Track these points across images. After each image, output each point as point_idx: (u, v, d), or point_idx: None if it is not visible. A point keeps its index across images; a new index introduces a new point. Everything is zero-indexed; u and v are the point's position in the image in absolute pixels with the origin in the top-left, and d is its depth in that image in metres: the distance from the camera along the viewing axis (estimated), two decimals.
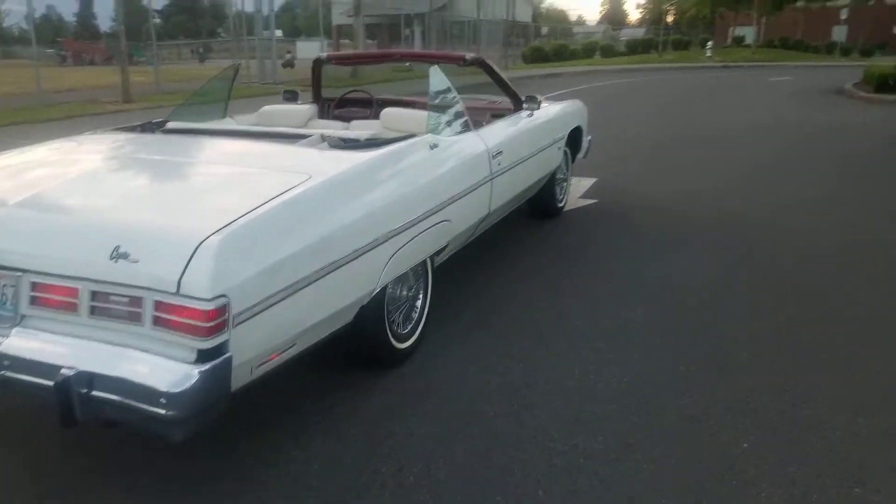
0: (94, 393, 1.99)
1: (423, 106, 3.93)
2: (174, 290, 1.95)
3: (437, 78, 3.60)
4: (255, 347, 2.12)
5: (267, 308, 2.11)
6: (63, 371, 1.97)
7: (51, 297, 2.12)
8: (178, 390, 1.91)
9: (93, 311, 2.06)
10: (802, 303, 3.83)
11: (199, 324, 1.93)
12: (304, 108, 4.33)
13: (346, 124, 4.23)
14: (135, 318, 2.01)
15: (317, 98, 5.15)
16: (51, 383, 1.96)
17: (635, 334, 3.44)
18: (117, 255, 2.02)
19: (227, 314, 1.97)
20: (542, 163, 4.78)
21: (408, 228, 2.84)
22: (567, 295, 3.96)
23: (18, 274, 2.14)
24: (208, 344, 1.95)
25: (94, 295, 2.05)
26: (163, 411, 1.91)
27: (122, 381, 1.96)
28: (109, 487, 2.29)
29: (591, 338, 3.38)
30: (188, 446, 2.15)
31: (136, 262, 2.00)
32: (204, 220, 2.13)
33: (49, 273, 2.12)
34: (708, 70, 28.14)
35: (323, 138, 3.20)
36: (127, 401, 1.95)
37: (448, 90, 3.63)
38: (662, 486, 2.29)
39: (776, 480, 2.31)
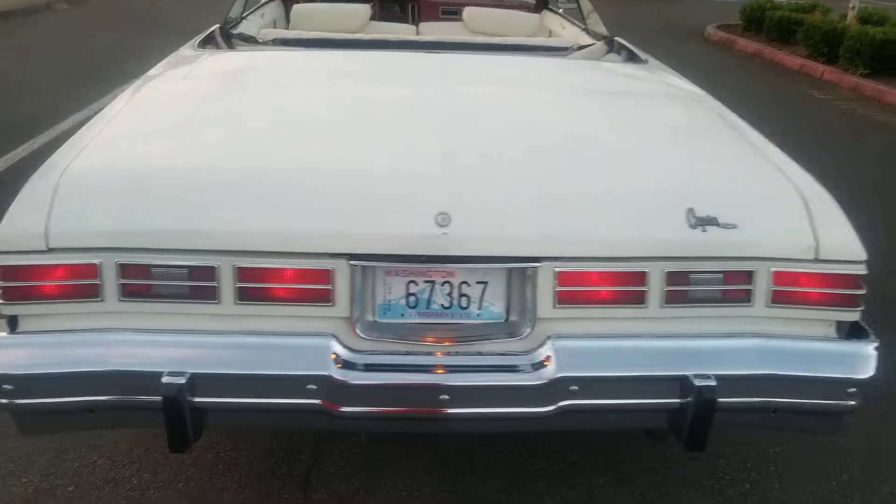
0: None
1: (492, 4, 3.60)
2: (812, 255, 1.56)
3: None
4: None
5: None
6: (695, 380, 1.52)
7: (594, 289, 1.57)
8: (866, 376, 1.59)
9: (668, 298, 1.57)
10: None
11: (853, 292, 1.59)
12: (359, 9, 3.41)
13: (411, 27, 3.67)
14: (736, 297, 1.59)
15: None
16: (670, 401, 1.55)
17: None
18: (697, 220, 1.54)
19: None
20: None
21: None
22: None
23: (534, 266, 1.53)
24: (858, 314, 1.62)
25: (671, 277, 1.56)
26: (849, 402, 1.59)
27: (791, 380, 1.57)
28: None
29: None
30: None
31: (733, 227, 1.54)
32: (755, 163, 1.77)
33: (592, 258, 1.55)
34: None
35: (611, 47, 2.79)
36: (797, 401, 1.59)
37: None
38: None
39: None
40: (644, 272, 1.55)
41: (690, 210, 1.56)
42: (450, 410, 1.53)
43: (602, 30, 3.11)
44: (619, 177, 1.69)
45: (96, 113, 1.99)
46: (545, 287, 1.54)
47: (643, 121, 2.07)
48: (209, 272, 1.48)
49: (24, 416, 1.56)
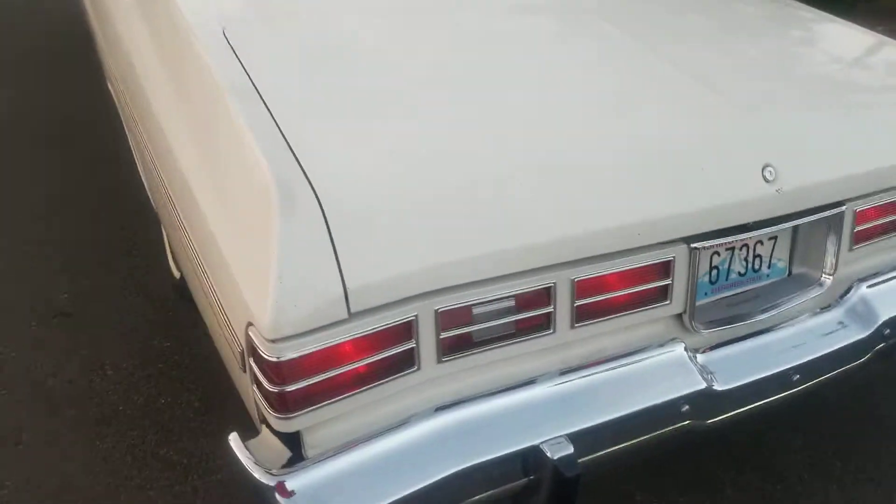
0: None
1: None
2: None
3: None
4: None
5: None
6: None
7: (880, 222, 1.52)
8: None
9: None
10: None
11: None
12: None
13: None
14: None
15: None
16: None
17: None
18: None
19: None
20: None
21: None
22: None
23: (839, 210, 1.43)
24: None
25: None
26: None
27: None
28: None
29: None
30: None
31: None
32: None
33: (882, 190, 1.49)
34: None
35: None
36: None
37: None
38: None
39: None
40: None
41: None
42: (797, 389, 1.40)
43: None
44: (880, 101, 1.63)
45: None
46: (846, 230, 1.46)
47: (844, 44, 1.93)
48: (543, 295, 1.17)
49: None
